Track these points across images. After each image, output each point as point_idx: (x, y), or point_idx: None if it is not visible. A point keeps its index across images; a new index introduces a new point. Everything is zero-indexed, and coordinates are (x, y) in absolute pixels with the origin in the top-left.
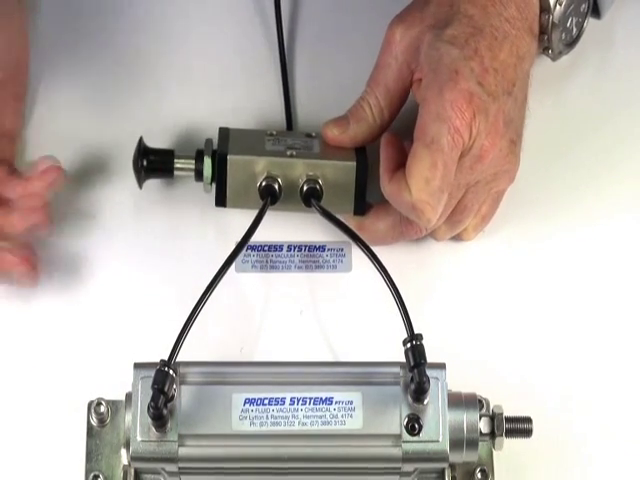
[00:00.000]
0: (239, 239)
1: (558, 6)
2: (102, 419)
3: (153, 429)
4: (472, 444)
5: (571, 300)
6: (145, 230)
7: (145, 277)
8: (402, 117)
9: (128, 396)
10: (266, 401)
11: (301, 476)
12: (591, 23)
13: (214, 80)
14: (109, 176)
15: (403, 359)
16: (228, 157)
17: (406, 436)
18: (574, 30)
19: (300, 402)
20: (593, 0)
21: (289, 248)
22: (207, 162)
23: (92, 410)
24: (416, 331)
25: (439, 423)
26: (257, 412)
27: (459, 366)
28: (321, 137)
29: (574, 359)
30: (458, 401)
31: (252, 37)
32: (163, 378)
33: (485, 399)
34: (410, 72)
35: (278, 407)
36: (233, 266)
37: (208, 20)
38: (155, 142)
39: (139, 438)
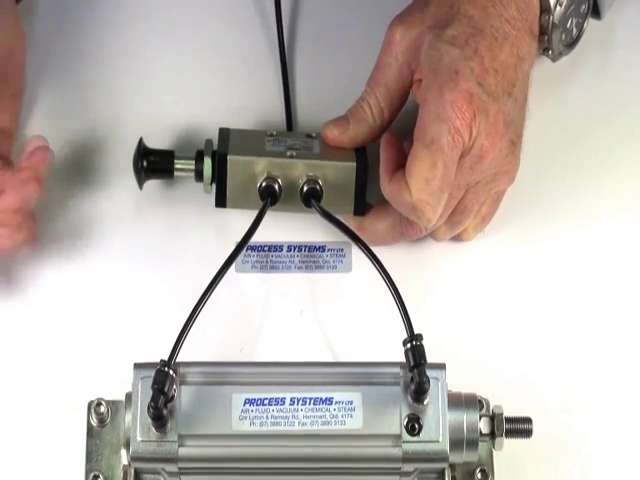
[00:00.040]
0: (239, 239)
1: (558, 7)
2: (102, 419)
3: (153, 429)
4: (472, 444)
5: (571, 300)
6: (145, 230)
7: (145, 277)
8: (402, 117)
9: (128, 396)
10: (266, 401)
11: (301, 476)
12: (591, 23)
13: (214, 80)
14: (109, 177)
15: (403, 359)
16: (228, 157)
17: (406, 436)
18: (574, 31)
19: (300, 402)
20: (593, 1)
21: (289, 248)
22: (207, 162)
23: (92, 410)
24: (416, 331)
25: (439, 423)
26: (257, 412)
27: (459, 366)
28: (321, 137)
29: (574, 359)
30: (458, 401)
31: (252, 37)
32: (163, 378)
33: (485, 399)
34: (410, 72)
35: (278, 407)
36: (233, 266)
37: (208, 20)
38: (155, 143)
39: (139, 438)
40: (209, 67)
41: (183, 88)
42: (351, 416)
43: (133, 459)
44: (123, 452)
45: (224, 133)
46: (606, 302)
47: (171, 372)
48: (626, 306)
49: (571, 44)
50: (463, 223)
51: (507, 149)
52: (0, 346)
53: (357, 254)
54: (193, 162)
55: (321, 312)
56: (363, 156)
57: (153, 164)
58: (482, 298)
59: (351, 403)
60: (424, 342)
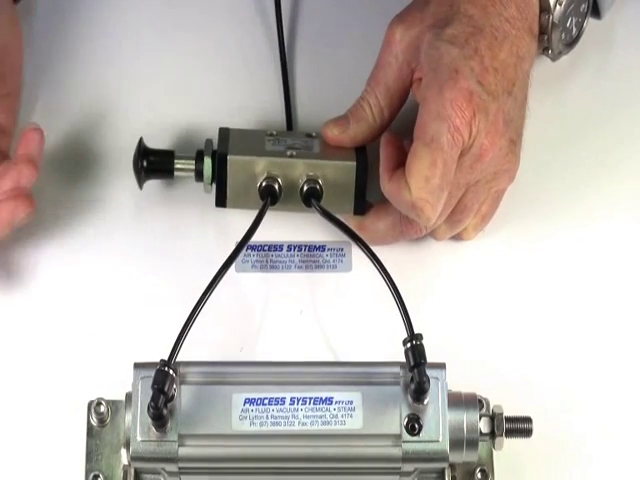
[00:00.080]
0: (239, 239)
1: (558, 6)
2: (102, 419)
3: (153, 429)
4: (472, 444)
5: (571, 300)
6: (145, 230)
7: (145, 277)
8: (402, 117)
9: (128, 396)
10: (266, 401)
11: (301, 476)
12: (591, 23)
13: (214, 80)
14: (109, 177)
15: (403, 359)
16: (228, 157)
17: (406, 436)
18: (574, 30)
19: (300, 402)
20: (593, 0)
21: (289, 248)
22: (207, 162)
23: (92, 410)
24: (416, 331)
25: (439, 423)
26: (257, 412)
27: (459, 366)
28: (321, 137)
29: (574, 359)
30: (458, 401)
31: (252, 37)
32: (163, 378)
33: (485, 399)
34: (410, 71)
35: (278, 407)
36: (233, 266)
37: (208, 20)
38: (155, 143)
39: (139, 438)
40: (209, 67)
41: (183, 88)
42: (351, 416)
43: (133, 459)
44: (123, 452)
45: (224, 133)
46: (606, 302)
47: (171, 372)
48: (626, 306)
49: (571, 44)
50: (463, 222)
51: (507, 148)
52: (0, 347)
53: (357, 254)
54: (193, 162)
55: (321, 312)
56: (363, 155)
57: (153, 164)
58: (482, 298)
59: (351, 403)
60: (424, 342)
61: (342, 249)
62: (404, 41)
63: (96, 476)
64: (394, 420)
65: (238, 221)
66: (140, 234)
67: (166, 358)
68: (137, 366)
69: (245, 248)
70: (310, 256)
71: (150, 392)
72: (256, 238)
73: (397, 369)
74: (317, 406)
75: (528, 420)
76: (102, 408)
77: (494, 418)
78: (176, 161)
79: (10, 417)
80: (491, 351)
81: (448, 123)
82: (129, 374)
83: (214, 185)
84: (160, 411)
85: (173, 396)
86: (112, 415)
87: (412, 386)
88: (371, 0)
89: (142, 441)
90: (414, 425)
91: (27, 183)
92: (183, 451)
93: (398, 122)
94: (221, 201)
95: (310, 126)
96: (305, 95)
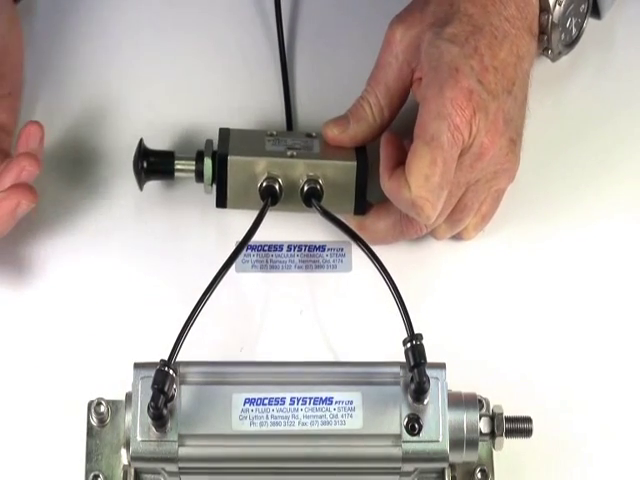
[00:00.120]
0: (240, 240)
1: (557, 6)
2: (102, 419)
3: (153, 429)
4: (472, 444)
5: (571, 300)
6: (146, 231)
7: (146, 277)
8: (402, 116)
9: (128, 396)
10: (266, 401)
11: (301, 476)
12: (591, 23)
13: (214, 81)
14: (109, 178)
15: (403, 359)
16: (228, 158)
17: (406, 436)
18: (574, 30)
19: (300, 402)
20: (593, 0)
21: (289, 248)
22: (207, 163)
23: (92, 410)
24: (416, 331)
25: (439, 423)
26: (257, 412)
27: (459, 366)
28: (321, 137)
29: (574, 359)
30: (458, 401)
31: (252, 38)
32: (163, 378)
33: (485, 399)
34: (410, 71)
35: (278, 407)
36: (233, 266)
37: (208, 20)
38: (155, 143)
39: (139, 438)
40: (209, 67)
41: (183, 88)
42: (351, 416)
43: (133, 459)
44: (123, 452)
45: (224, 133)
46: (606, 302)
47: (171, 372)
48: (626, 306)
49: (571, 44)
50: (463, 221)
51: (507, 147)
52: (0, 347)
53: (357, 253)
54: (193, 163)
55: (321, 312)
56: (363, 155)
57: (153, 165)
58: (482, 298)
59: (351, 403)
60: (424, 342)
61: (342, 249)
62: (404, 41)
63: (96, 476)
64: (394, 420)
65: (238, 222)
66: (141, 235)
67: (166, 358)
68: (137, 366)
69: (245, 248)
70: (310, 256)
71: (150, 392)
72: (256, 238)
73: (397, 369)
74: (317, 406)
75: (528, 420)
76: (102, 408)
77: (494, 418)
78: (176, 162)
79: (10, 417)
80: (491, 351)
81: (448, 122)
82: (129, 374)
83: (214, 186)
84: (160, 411)
85: (173, 396)
86: (112, 415)
87: (412, 386)
88: (371, 0)
89: (142, 441)
90: (414, 425)
91: (29, 177)
92: (183, 451)
93: (398, 122)
94: (221, 202)
95: (310, 126)
96: (305, 95)
